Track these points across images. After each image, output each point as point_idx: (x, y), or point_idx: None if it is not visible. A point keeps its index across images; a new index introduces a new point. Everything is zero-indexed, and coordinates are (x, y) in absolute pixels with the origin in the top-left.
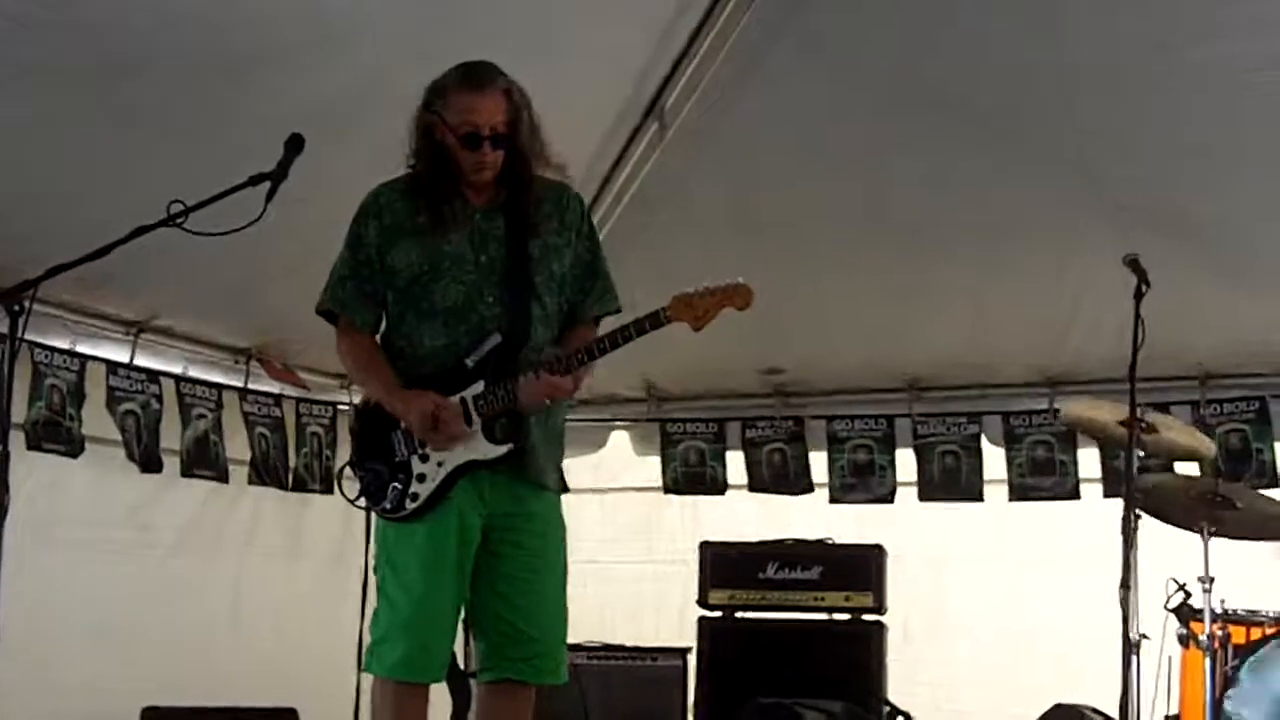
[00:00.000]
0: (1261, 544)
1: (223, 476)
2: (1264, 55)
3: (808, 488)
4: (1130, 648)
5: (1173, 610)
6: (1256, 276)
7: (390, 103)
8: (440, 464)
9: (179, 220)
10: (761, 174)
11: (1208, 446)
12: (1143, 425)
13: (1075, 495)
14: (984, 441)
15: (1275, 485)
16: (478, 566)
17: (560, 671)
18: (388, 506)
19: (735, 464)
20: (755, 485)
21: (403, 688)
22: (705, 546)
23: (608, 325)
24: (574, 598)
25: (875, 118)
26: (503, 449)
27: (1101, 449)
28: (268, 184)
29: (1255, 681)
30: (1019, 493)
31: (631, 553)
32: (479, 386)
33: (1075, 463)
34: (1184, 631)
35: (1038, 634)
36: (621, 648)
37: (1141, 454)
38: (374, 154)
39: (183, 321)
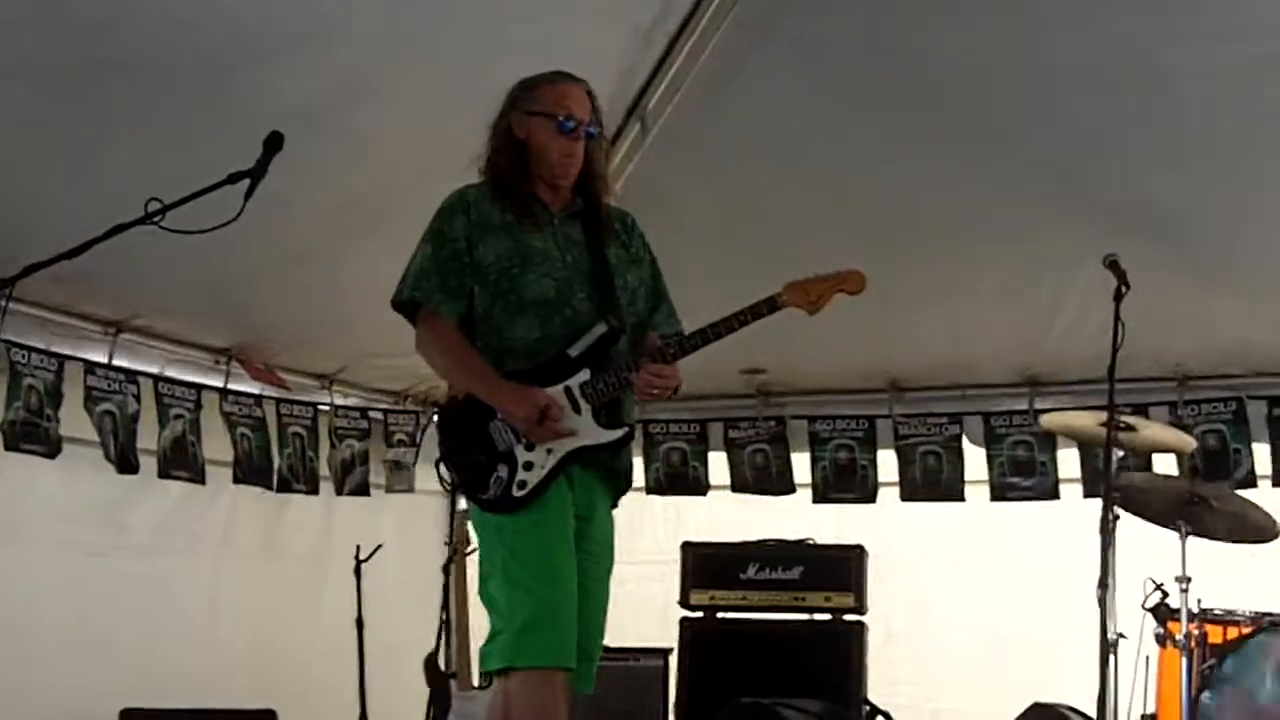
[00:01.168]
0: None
1: (199, 478)
2: (1245, 58)
3: (789, 488)
4: (1108, 647)
5: (1150, 610)
6: (1234, 278)
7: (372, 100)
8: (550, 451)
9: (157, 219)
10: (743, 176)
11: (1186, 442)
12: (1121, 426)
13: (1055, 495)
14: (965, 442)
15: (1252, 485)
16: None
17: (590, 683)
18: (493, 496)
19: (717, 464)
20: (737, 485)
21: (552, 677)
22: (687, 547)
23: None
24: None
25: (857, 120)
26: (617, 433)
27: (1081, 449)
28: (246, 182)
29: (1232, 681)
30: (999, 493)
31: (616, 553)
32: (585, 374)
33: (1055, 463)
34: (1161, 631)
35: (1018, 633)
36: (603, 648)
37: (1120, 454)
38: (355, 152)
39: (162, 321)
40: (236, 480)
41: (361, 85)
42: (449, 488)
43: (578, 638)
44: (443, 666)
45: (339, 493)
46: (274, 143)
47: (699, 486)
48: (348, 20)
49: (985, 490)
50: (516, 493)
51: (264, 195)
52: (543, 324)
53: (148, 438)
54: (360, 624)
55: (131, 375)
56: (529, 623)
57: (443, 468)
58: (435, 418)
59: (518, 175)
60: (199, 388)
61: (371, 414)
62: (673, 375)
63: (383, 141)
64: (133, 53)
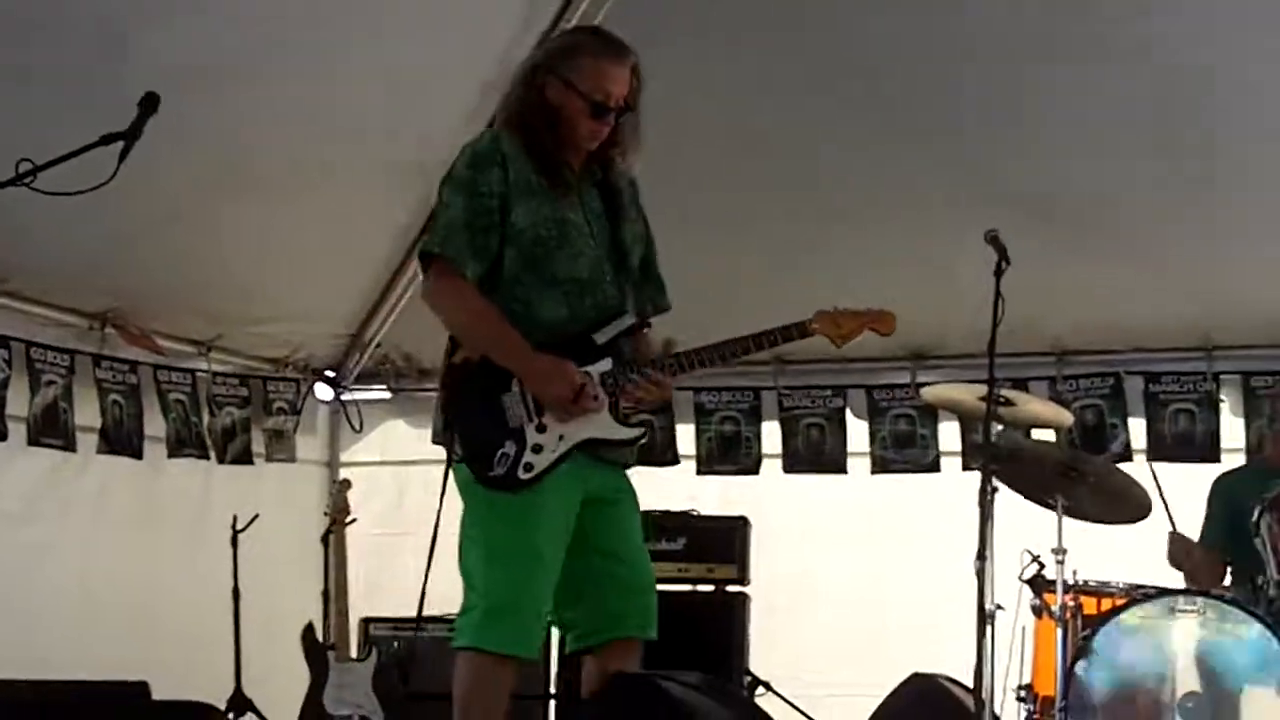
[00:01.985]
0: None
1: (71, 445)
2: (1128, 35)
3: (674, 459)
4: (985, 618)
5: (1027, 581)
6: (1113, 254)
7: (252, 63)
8: (562, 437)
9: (27, 180)
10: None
11: (1063, 418)
12: (1000, 400)
13: (935, 468)
14: (848, 414)
15: (1128, 459)
16: (576, 535)
17: (654, 626)
18: (498, 473)
19: None
20: None
21: (505, 664)
22: None
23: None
24: (448, 571)
25: (754, 92)
26: (634, 431)
27: (961, 423)
28: (121, 144)
29: (1106, 651)
30: (881, 465)
31: None
32: (606, 364)
33: (936, 436)
34: (1037, 602)
35: (898, 604)
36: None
37: (999, 428)
38: (235, 116)
39: (33, 285)
40: (100, 450)
41: (241, 48)
42: (455, 457)
43: (640, 579)
44: (321, 638)
45: (220, 461)
46: (149, 104)
47: None
48: None
49: (867, 462)
50: (522, 474)
51: (141, 158)
52: (572, 303)
53: (18, 405)
54: (236, 595)
55: (3, 340)
56: (499, 606)
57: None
58: (442, 378)
59: (547, 137)
60: (73, 353)
61: (251, 381)
62: (667, 389)
63: (261, 105)
64: (14, 12)
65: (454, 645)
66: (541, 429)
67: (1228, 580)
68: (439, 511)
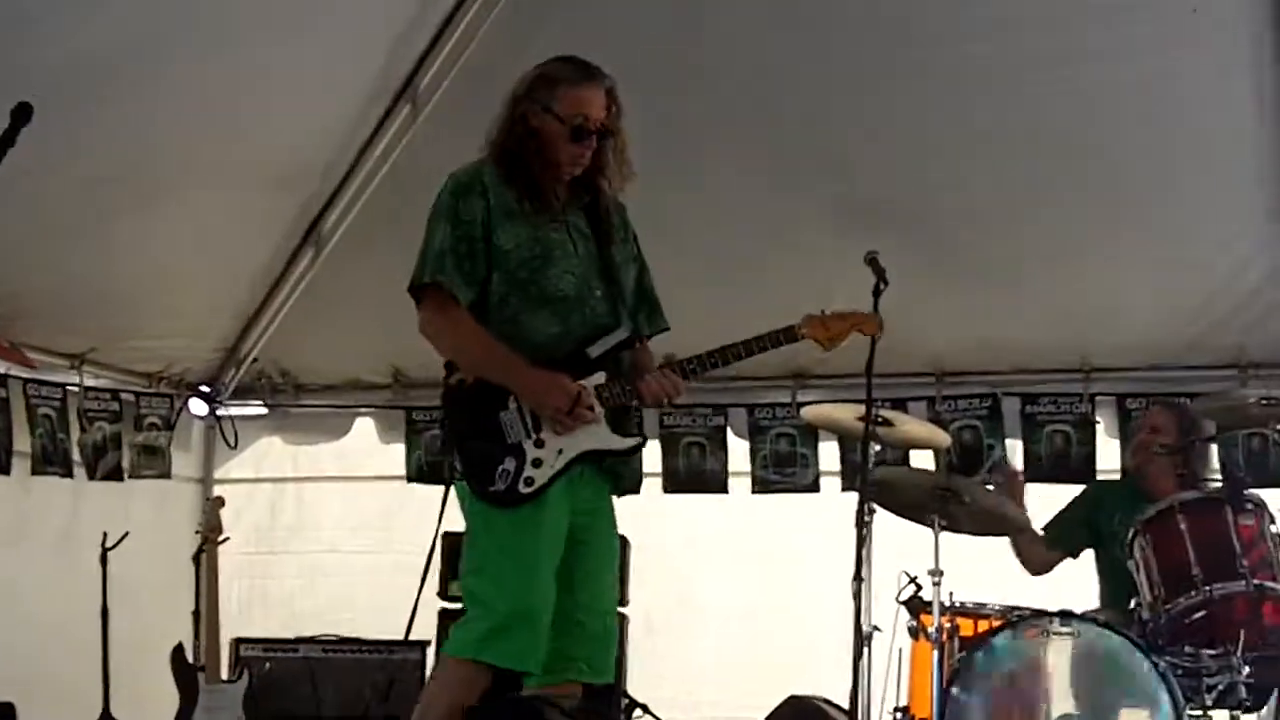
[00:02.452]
0: (990, 538)
1: None
2: (1003, 55)
3: None
4: (862, 639)
5: (904, 603)
6: (990, 277)
7: (132, 72)
8: (560, 451)
9: None
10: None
11: (942, 438)
12: (878, 420)
13: (815, 488)
14: (729, 433)
15: None
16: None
17: (609, 671)
18: (499, 489)
19: None
20: None
21: (485, 674)
22: (447, 537)
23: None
24: (313, 588)
25: (634, 105)
26: (631, 441)
27: (841, 443)
28: None
29: (981, 674)
30: (762, 485)
31: (373, 543)
32: (600, 377)
33: (816, 456)
34: (914, 624)
35: (777, 625)
36: (359, 640)
37: (878, 448)
38: (110, 126)
39: None
40: None
41: (113, 57)
42: (456, 475)
43: (592, 626)
44: (191, 659)
45: (91, 477)
46: (21, 114)
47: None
48: None
49: (748, 482)
50: (523, 489)
51: (16, 167)
52: (563, 320)
53: None
54: (105, 614)
55: None
56: (505, 622)
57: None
58: (441, 401)
59: (533, 162)
60: None
61: (124, 396)
62: (680, 388)
63: (135, 116)
64: None
65: (449, 653)
66: (540, 444)
67: (1096, 602)
68: (437, 533)
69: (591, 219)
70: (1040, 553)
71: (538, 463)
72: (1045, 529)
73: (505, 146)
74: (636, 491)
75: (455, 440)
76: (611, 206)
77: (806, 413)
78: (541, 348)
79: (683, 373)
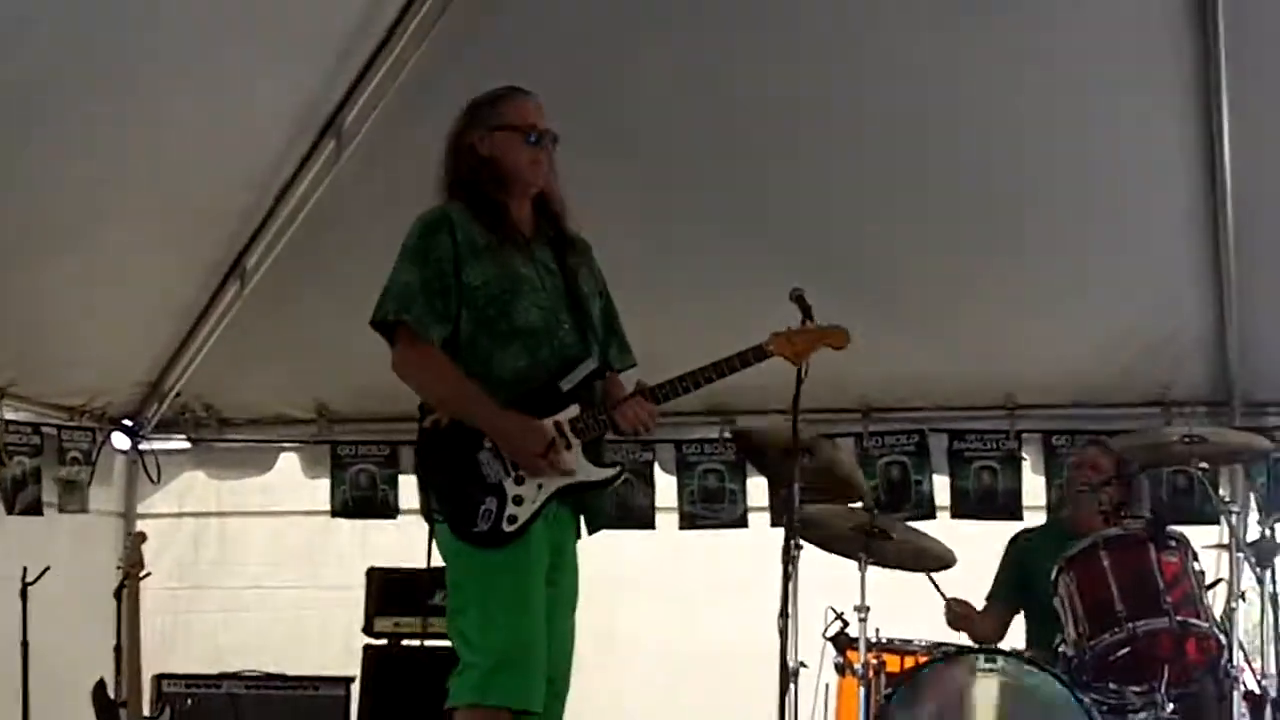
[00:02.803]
0: (916, 574)
1: None
2: (932, 100)
3: None
4: (788, 675)
5: (830, 639)
6: (918, 313)
7: (56, 100)
8: (540, 486)
9: None
10: (431, 195)
11: (861, 480)
12: (807, 455)
13: (743, 524)
14: (656, 469)
15: (932, 517)
16: None
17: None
18: (483, 529)
19: (408, 488)
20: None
21: (503, 714)
22: (372, 573)
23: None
24: (234, 624)
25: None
26: (609, 471)
27: (769, 479)
28: None
29: (906, 710)
30: (689, 520)
31: (297, 578)
32: (574, 409)
33: (744, 491)
34: (840, 660)
35: (705, 661)
36: (283, 677)
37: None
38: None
39: None
40: None
41: (37, 84)
42: (435, 519)
43: (547, 673)
44: (112, 695)
45: (9, 511)
46: None
47: (388, 510)
48: (30, 25)
49: (675, 518)
50: (507, 528)
51: None
52: (531, 353)
53: None
54: (25, 649)
55: None
56: (503, 661)
57: (431, 498)
58: (416, 444)
59: (492, 190)
60: None
61: (44, 429)
62: (655, 415)
63: (60, 145)
64: None
65: (451, 704)
66: (520, 481)
67: (1022, 637)
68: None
69: (557, 252)
70: (989, 622)
71: (519, 500)
72: (988, 599)
73: (461, 180)
74: (608, 528)
75: (434, 483)
76: (576, 241)
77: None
78: (513, 384)
79: (654, 398)
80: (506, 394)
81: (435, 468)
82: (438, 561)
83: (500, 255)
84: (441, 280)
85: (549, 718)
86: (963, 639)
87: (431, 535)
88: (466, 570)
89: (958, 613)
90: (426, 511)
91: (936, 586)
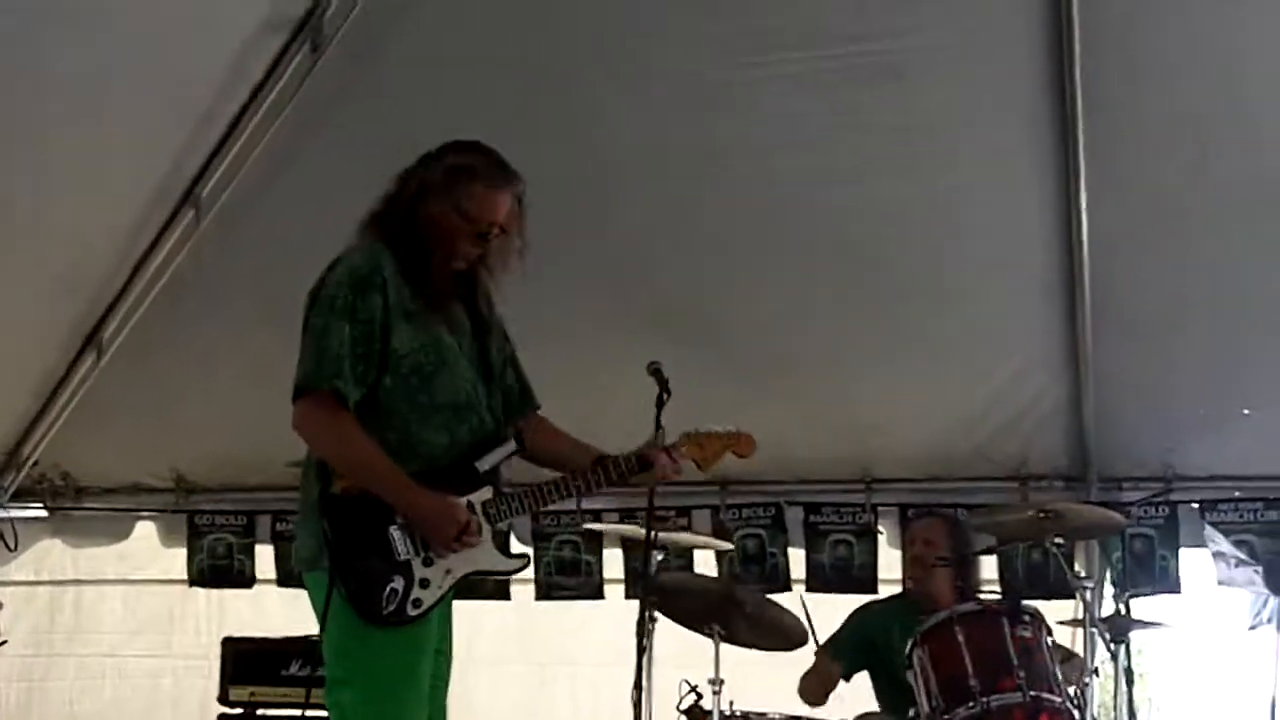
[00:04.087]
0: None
1: None
2: (788, 168)
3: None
4: None
5: (684, 711)
6: (773, 386)
7: None
8: (448, 571)
9: None
10: (294, 266)
11: (724, 547)
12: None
13: (599, 595)
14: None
15: (788, 589)
16: None
17: None
18: (389, 611)
19: (265, 557)
20: (284, 579)
21: None
22: (228, 642)
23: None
24: (90, 692)
25: None
26: (517, 562)
27: (625, 550)
28: None
29: None
30: (545, 591)
31: (153, 646)
32: (487, 492)
33: (600, 563)
34: None
35: None
36: None
37: (661, 555)
38: None
39: None
40: None
41: None
42: (340, 592)
43: None
44: None
45: None
46: None
47: (244, 579)
48: None
49: (531, 589)
50: (411, 611)
51: None
52: (452, 430)
53: None
54: None
55: None
56: None
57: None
58: (320, 509)
59: (433, 255)
60: None
61: None
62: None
63: None
64: None
65: None
66: (429, 562)
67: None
68: (325, 643)
69: (470, 311)
70: (814, 678)
71: (425, 583)
72: (817, 652)
73: (404, 235)
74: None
75: (339, 557)
76: (485, 299)
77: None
78: (428, 458)
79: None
80: (419, 465)
81: (342, 538)
82: (297, 629)
83: (426, 321)
84: (368, 344)
85: None
86: (818, 712)
87: (328, 601)
88: (358, 643)
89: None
90: (331, 581)
91: (808, 616)
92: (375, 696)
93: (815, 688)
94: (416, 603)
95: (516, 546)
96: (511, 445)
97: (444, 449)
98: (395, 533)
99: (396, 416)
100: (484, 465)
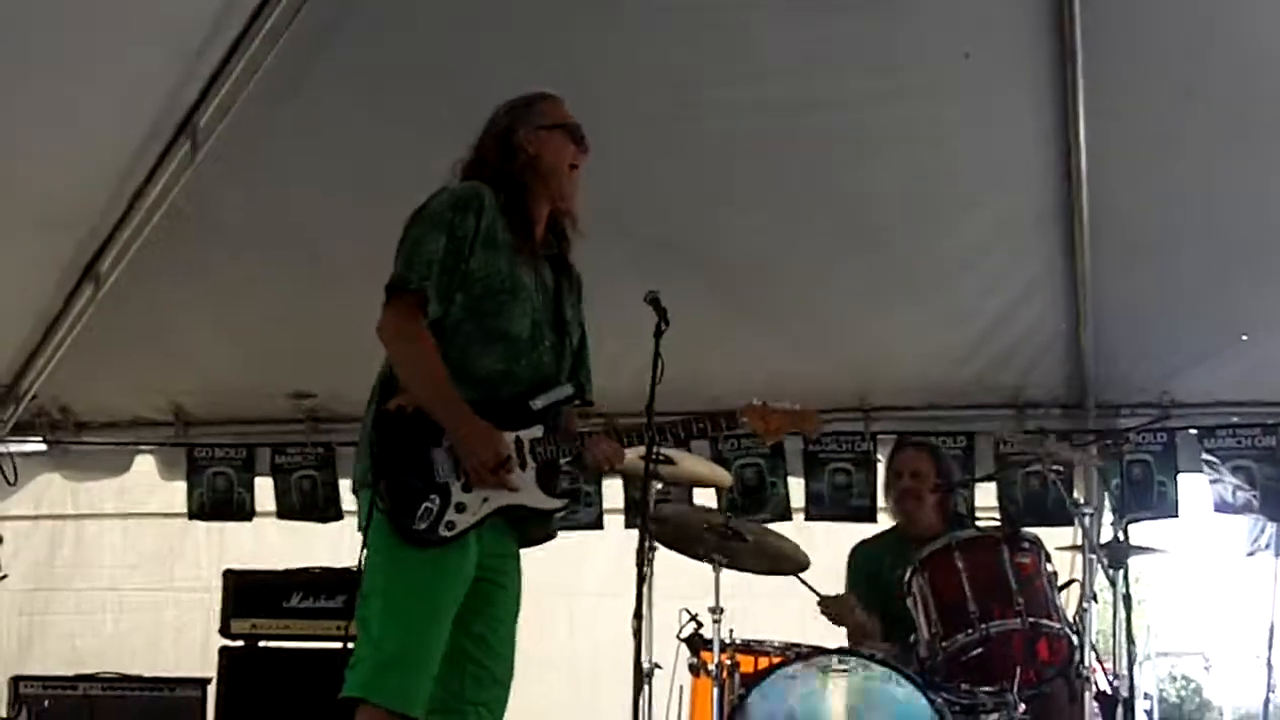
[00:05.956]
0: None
1: None
2: (777, 103)
3: (337, 515)
4: (642, 676)
5: (684, 640)
6: (771, 315)
7: None
8: (486, 500)
9: None
10: (291, 195)
11: (722, 477)
12: (660, 459)
13: (599, 525)
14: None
15: (787, 519)
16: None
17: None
18: (420, 528)
19: (264, 490)
20: (284, 512)
21: (393, 717)
22: (229, 574)
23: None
24: (91, 626)
25: (404, 149)
26: (557, 502)
27: (624, 481)
28: None
29: (759, 710)
30: None
31: (154, 579)
32: (538, 430)
33: (600, 493)
34: (694, 660)
35: (560, 663)
36: (139, 678)
37: (660, 486)
38: None
39: None
40: None
41: None
42: (380, 506)
43: (496, 672)
44: None
45: None
46: None
47: (244, 512)
48: None
49: None
50: (444, 532)
51: None
52: (509, 360)
53: None
54: None
55: None
56: (394, 659)
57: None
58: (374, 423)
59: (534, 191)
60: None
61: None
62: (621, 457)
63: None
64: None
65: (342, 694)
66: (468, 488)
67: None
68: (361, 557)
69: (556, 270)
70: (862, 632)
71: (461, 507)
72: (849, 602)
73: (507, 172)
74: (549, 540)
75: (383, 469)
76: (574, 270)
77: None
78: (483, 384)
79: (621, 440)
80: (474, 392)
81: (387, 453)
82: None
83: (512, 256)
84: (456, 259)
85: (495, 713)
86: (817, 640)
87: (369, 517)
88: (386, 558)
89: (834, 610)
90: (373, 496)
91: (808, 585)
92: (392, 614)
93: (873, 632)
94: (450, 525)
95: None
96: (569, 389)
97: (500, 378)
98: (438, 454)
99: (460, 336)
100: (539, 404)
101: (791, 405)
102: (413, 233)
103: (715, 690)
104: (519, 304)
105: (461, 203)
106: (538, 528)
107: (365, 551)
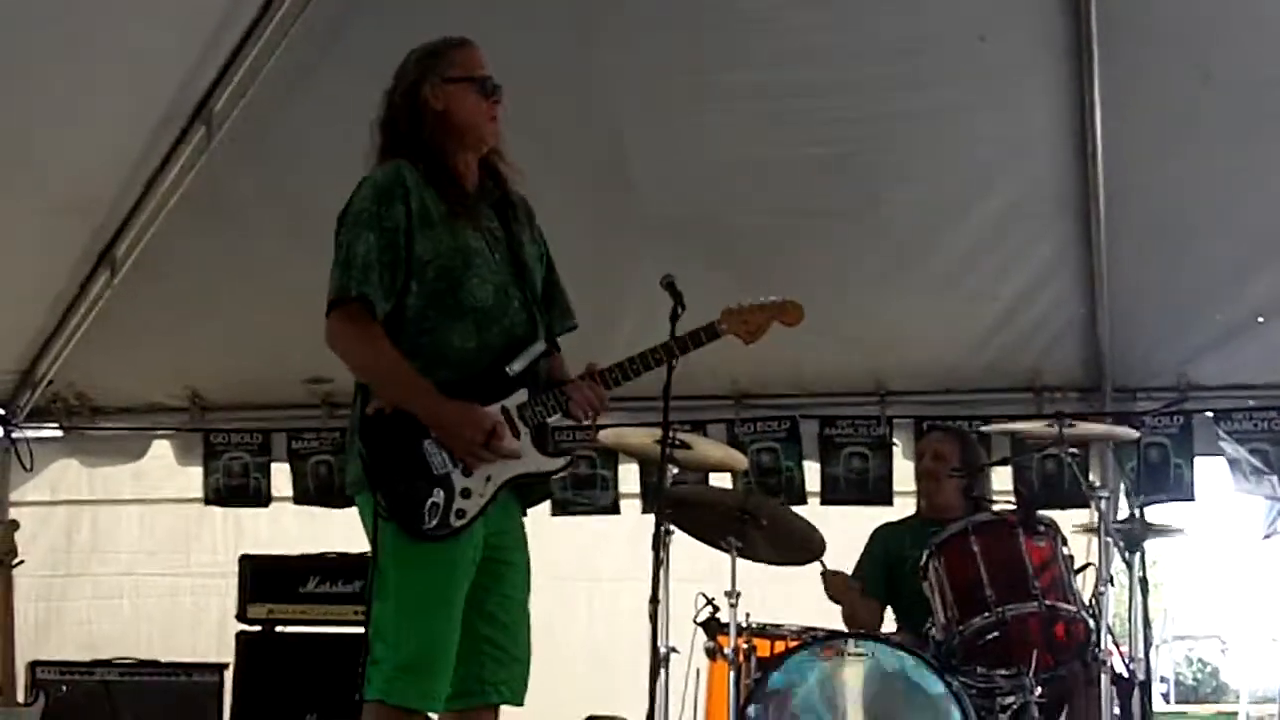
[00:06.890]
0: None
1: None
2: (800, 85)
3: (352, 500)
4: (659, 660)
5: (701, 624)
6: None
7: None
8: (488, 478)
9: None
10: (306, 180)
11: (739, 460)
12: (676, 443)
13: (615, 510)
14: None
15: (803, 502)
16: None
17: (524, 694)
18: (431, 526)
19: (281, 476)
20: (300, 497)
21: (414, 716)
22: (245, 559)
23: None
24: (108, 611)
25: None
26: (559, 461)
27: (640, 465)
28: None
29: (776, 694)
30: (561, 507)
31: (170, 565)
32: (522, 395)
33: (616, 478)
34: (711, 644)
35: (577, 646)
36: (156, 664)
37: (676, 471)
38: None
39: None
40: None
41: None
42: (382, 514)
43: (513, 649)
44: None
45: None
46: None
47: (260, 498)
48: None
49: (547, 504)
50: (455, 522)
51: None
52: (480, 333)
53: None
54: None
55: None
56: (412, 661)
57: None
58: (359, 431)
59: (449, 149)
60: None
61: None
62: (606, 398)
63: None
64: None
65: (365, 698)
66: (468, 472)
67: (890, 624)
68: (372, 561)
69: (501, 215)
70: (868, 605)
71: (467, 493)
72: (858, 586)
73: (409, 136)
74: (546, 501)
75: (379, 480)
76: (520, 203)
77: (603, 436)
78: (458, 364)
79: (605, 382)
80: (451, 373)
81: (379, 462)
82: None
83: (452, 226)
84: (394, 251)
85: (517, 696)
86: (834, 624)
87: (376, 525)
88: (396, 559)
89: (836, 585)
90: (375, 506)
91: (822, 563)
92: (406, 616)
93: (868, 621)
94: (460, 513)
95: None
96: (541, 345)
97: (474, 353)
98: (430, 446)
99: (425, 323)
100: (515, 368)
101: (768, 299)
102: (343, 238)
103: (731, 674)
104: (475, 273)
105: (384, 193)
106: (540, 490)
107: (372, 557)
